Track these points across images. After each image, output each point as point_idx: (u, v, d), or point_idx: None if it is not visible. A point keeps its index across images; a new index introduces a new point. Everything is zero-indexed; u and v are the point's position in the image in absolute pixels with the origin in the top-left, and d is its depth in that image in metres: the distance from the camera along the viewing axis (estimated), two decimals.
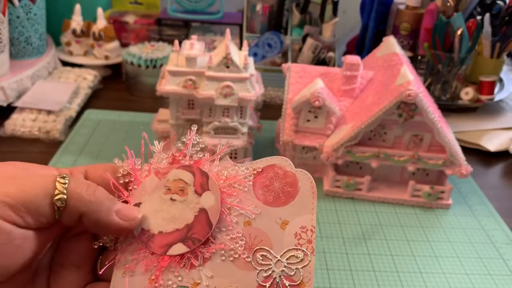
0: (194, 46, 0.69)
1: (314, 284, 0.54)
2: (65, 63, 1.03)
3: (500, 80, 1.03)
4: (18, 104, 0.84)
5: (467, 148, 0.85)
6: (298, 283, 0.33)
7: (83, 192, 0.30)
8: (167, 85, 0.67)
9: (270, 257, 0.33)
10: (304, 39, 1.00)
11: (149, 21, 1.09)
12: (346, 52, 1.13)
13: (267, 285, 0.33)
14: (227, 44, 0.66)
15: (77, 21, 1.01)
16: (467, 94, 0.95)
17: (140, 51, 0.96)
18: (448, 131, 0.67)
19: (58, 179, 0.30)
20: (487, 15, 0.93)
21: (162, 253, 0.33)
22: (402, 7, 1.00)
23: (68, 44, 1.03)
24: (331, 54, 1.00)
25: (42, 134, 0.80)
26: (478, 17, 0.93)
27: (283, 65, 0.77)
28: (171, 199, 0.34)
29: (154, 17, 1.10)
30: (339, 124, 0.71)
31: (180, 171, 0.35)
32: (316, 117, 0.70)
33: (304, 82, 0.73)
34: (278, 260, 0.33)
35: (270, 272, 0.33)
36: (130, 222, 0.32)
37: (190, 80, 0.67)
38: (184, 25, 1.11)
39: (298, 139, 0.71)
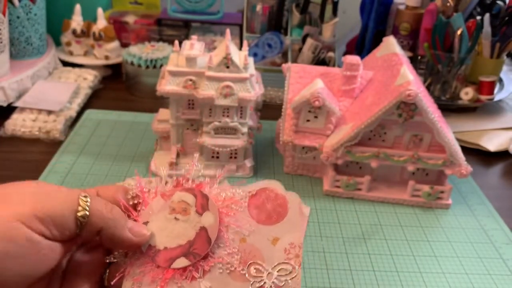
0: (194, 46, 0.69)
1: (314, 284, 0.55)
2: (65, 63, 1.03)
3: (500, 80, 1.03)
4: (18, 104, 0.84)
5: (467, 148, 0.85)
6: None
7: (102, 209, 0.34)
8: (167, 85, 0.68)
9: (262, 270, 0.37)
10: (304, 39, 1.00)
11: (149, 21, 1.10)
12: (346, 52, 1.13)
13: None
14: (227, 44, 0.66)
15: (77, 21, 1.01)
16: (467, 94, 0.95)
17: (140, 51, 0.96)
18: (448, 131, 0.67)
19: (81, 197, 0.34)
20: (487, 15, 0.93)
21: (167, 266, 0.36)
22: (402, 7, 1.01)
23: (68, 44, 1.03)
24: (331, 54, 1.00)
25: (42, 134, 0.80)
26: (478, 17, 0.93)
27: (283, 65, 0.77)
28: (175, 218, 0.38)
29: (154, 17, 1.10)
30: (339, 124, 0.71)
31: (183, 194, 0.39)
32: (316, 117, 0.70)
33: (304, 82, 0.73)
34: (270, 272, 0.37)
35: (262, 283, 0.37)
36: (140, 238, 0.36)
37: (190, 80, 0.67)
38: (184, 25, 1.11)
39: (298, 139, 0.71)
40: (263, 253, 0.38)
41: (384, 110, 0.64)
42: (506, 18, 0.93)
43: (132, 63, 0.95)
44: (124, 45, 1.07)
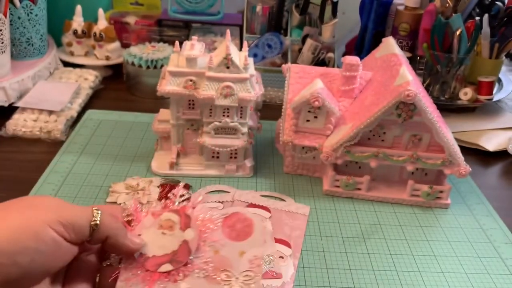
0: (194, 46, 0.69)
1: (314, 283, 0.56)
2: (66, 64, 1.03)
3: (499, 81, 1.03)
4: (19, 104, 0.85)
5: (466, 148, 0.86)
6: None
7: (110, 221, 0.42)
8: (167, 86, 0.68)
9: (231, 275, 0.46)
10: (303, 40, 1.00)
11: (149, 22, 1.10)
12: (346, 53, 1.14)
13: None
14: (227, 45, 0.67)
15: (78, 22, 1.01)
16: (466, 94, 0.95)
17: (141, 52, 0.96)
18: (447, 131, 0.67)
19: (94, 210, 0.41)
20: (486, 16, 0.93)
21: (154, 270, 0.44)
22: (401, 8, 1.01)
23: (69, 44, 1.03)
24: (330, 54, 1.00)
25: (43, 134, 0.81)
26: (477, 18, 0.93)
27: (283, 65, 0.77)
28: (163, 232, 0.47)
29: (155, 18, 1.11)
30: (339, 124, 0.71)
31: (170, 214, 0.48)
32: (315, 117, 0.70)
33: (304, 82, 0.74)
34: (237, 277, 0.46)
35: (231, 286, 0.45)
36: (136, 246, 0.45)
37: (191, 80, 0.68)
38: (185, 26, 1.11)
39: (297, 139, 0.71)
40: (232, 263, 0.47)
41: (383, 110, 0.64)
42: (505, 19, 0.94)
43: (132, 64, 0.96)
44: (125, 45, 1.07)
